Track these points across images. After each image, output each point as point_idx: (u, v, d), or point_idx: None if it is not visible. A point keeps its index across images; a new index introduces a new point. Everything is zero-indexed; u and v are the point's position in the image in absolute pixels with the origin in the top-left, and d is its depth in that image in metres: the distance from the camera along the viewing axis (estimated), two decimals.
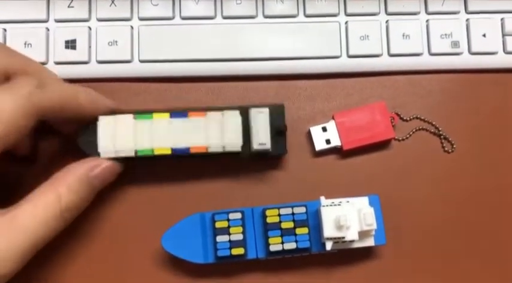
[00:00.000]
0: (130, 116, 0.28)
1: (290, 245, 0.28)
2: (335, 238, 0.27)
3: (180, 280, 0.30)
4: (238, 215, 0.28)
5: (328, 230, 0.27)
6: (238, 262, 0.29)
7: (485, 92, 0.33)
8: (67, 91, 0.27)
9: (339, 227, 0.27)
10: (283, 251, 0.28)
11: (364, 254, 0.31)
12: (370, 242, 0.29)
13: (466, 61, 0.33)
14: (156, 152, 0.28)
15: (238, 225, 0.28)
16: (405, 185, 0.32)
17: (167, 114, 0.28)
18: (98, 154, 0.28)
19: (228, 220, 0.28)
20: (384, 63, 0.33)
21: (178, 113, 0.28)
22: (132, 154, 0.28)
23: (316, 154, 0.32)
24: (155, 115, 0.28)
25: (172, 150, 0.28)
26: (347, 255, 0.31)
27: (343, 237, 0.27)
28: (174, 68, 0.32)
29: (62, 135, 0.31)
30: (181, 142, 0.28)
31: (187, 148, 0.28)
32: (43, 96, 0.25)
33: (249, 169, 0.32)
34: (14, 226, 0.24)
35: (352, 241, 0.28)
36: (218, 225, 0.28)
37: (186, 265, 0.29)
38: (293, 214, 0.28)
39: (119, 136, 0.28)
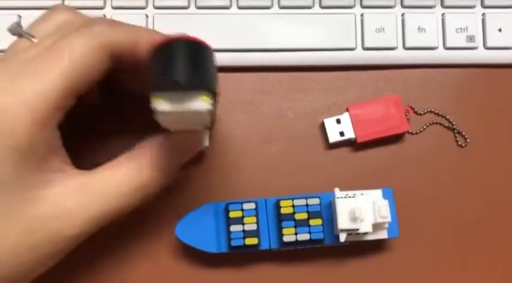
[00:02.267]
0: None
1: (303, 236, 0.28)
2: (349, 230, 0.27)
3: (193, 269, 0.30)
4: (252, 205, 0.28)
5: (343, 222, 0.27)
6: (251, 252, 0.29)
7: (500, 86, 0.33)
8: (140, 29, 0.25)
9: (354, 219, 0.27)
10: (297, 242, 0.28)
11: (376, 247, 0.31)
12: (383, 235, 0.29)
13: (481, 56, 0.33)
14: None
15: (252, 215, 0.28)
16: (418, 179, 0.32)
17: None
18: None
19: (242, 210, 0.28)
20: (399, 56, 0.32)
21: None
22: None
23: (330, 147, 0.32)
24: None
25: None
26: (359, 247, 0.31)
27: (357, 229, 0.27)
28: None
29: None
30: None
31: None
32: (115, 34, 0.23)
33: (261, 161, 0.32)
34: (88, 191, 0.23)
35: (365, 234, 0.28)
36: (232, 214, 0.28)
37: (200, 254, 0.29)
38: (307, 205, 0.28)
39: None
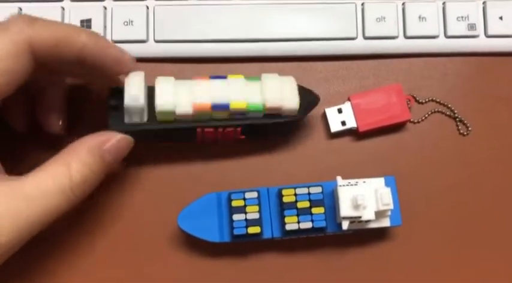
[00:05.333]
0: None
1: (306, 224, 0.28)
2: (351, 217, 0.27)
3: (196, 259, 0.30)
4: (255, 194, 0.28)
5: (345, 209, 0.27)
6: (254, 241, 0.29)
7: (501, 75, 0.33)
8: (64, 27, 0.25)
9: (356, 206, 0.27)
10: (299, 230, 0.28)
11: (379, 235, 0.31)
12: (385, 223, 0.29)
13: (482, 44, 0.33)
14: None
15: (254, 204, 0.28)
16: (420, 167, 0.32)
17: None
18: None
19: (244, 199, 0.28)
20: (400, 45, 0.32)
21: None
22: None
23: (332, 136, 0.32)
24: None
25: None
26: (362, 236, 0.31)
27: (360, 217, 0.27)
28: (189, 49, 0.32)
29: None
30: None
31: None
32: (35, 32, 0.23)
33: (264, 150, 0.32)
34: (17, 194, 0.22)
35: (368, 222, 0.28)
36: (234, 203, 0.28)
37: (202, 244, 0.29)
38: (309, 194, 0.28)
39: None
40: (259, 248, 0.30)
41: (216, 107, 0.27)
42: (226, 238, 0.28)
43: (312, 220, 0.28)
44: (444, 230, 0.31)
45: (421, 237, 0.31)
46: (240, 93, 0.28)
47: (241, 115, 0.28)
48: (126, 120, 0.27)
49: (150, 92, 0.28)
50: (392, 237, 0.31)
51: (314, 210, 0.28)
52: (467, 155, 0.32)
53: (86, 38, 0.25)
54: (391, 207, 0.27)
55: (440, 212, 0.31)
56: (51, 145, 0.29)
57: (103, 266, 0.30)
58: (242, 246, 0.30)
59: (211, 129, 0.28)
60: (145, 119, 0.28)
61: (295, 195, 0.28)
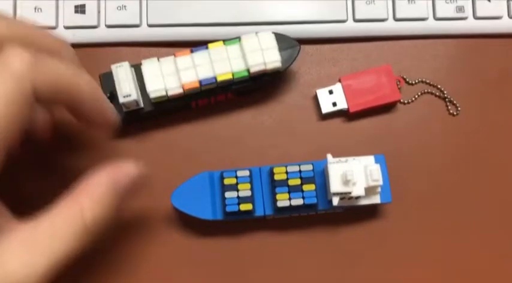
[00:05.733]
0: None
1: (297, 201, 0.28)
2: (342, 193, 0.28)
3: (189, 237, 0.31)
4: (247, 172, 0.29)
5: (335, 185, 0.28)
6: (246, 220, 0.30)
7: (490, 56, 0.33)
8: (66, 72, 0.23)
9: (346, 182, 0.27)
10: (291, 207, 0.28)
11: (369, 213, 0.31)
12: (376, 199, 0.29)
13: (471, 26, 0.33)
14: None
15: (246, 182, 0.29)
16: (411, 147, 0.32)
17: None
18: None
19: (237, 177, 0.29)
20: (390, 27, 0.33)
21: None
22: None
23: (323, 117, 0.32)
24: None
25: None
26: (352, 215, 0.31)
27: (350, 192, 0.28)
28: (182, 32, 0.32)
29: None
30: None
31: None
32: (38, 77, 0.21)
33: (256, 131, 0.32)
34: (31, 247, 0.21)
35: (358, 198, 0.29)
36: (227, 181, 0.29)
37: (195, 223, 0.30)
38: (300, 171, 0.29)
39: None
40: (252, 227, 0.31)
41: (204, 82, 0.29)
42: (219, 216, 0.29)
43: (303, 197, 0.28)
44: (434, 208, 0.31)
45: (412, 215, 0.31)
46: (223, 62, 0.29)
47: (229, 82, 0.30)
48: (124, 109, 0.30)
49: (139, 74, 0.30)
50: (383, 215, 0.31)
51: (305, 187, 0.29)
52: (457, 135, 0.32)
53: (85, 86, 0.24)
54: (381, 182, 0.28)
55: (431, 190, 0.32)
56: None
57: (96, 246, 0.30)
58: (234, 225, 0.30)
59: (204, 100, 0.31)
60: (141, 105, 0.30)
61: (287, 173, 0.29)
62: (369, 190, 0.28)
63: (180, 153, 0.32)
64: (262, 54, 0.29)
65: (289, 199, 0.28)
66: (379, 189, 0.29)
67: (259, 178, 0.30)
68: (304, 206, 0.29)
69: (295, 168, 0.29)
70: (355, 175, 0.27)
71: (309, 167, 0.29)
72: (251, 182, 0.29)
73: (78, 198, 0.23)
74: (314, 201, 0.28)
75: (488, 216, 0.31)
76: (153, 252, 0.30)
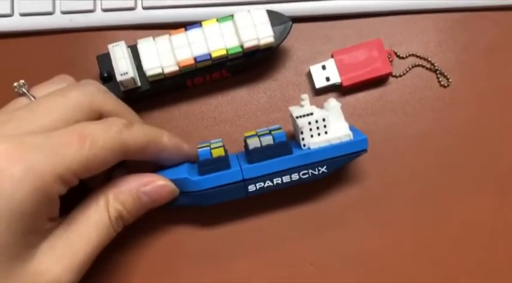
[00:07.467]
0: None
1: (267, 140, 0.28)
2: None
3: (184, 227, 0.31)
4: (220, 143, 0.29)
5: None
6: (228, 205, 0.29)
7: (478, 29, 0.34)
8: (152, 131, 0.27)
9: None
10: (262, 150, 0.28)
11: (352, 181, 0.32)
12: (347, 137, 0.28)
13: (459, 0, 0.34)
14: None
15: (219, 147, 0.28)
16: (403, 119, 0.33)
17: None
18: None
19: (210, 144, 0.29)
20: (381, 3, 0.34)
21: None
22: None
23: (317, 93, 0.33)
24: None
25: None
26: (333, 183, 0.32)
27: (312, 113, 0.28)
28: (177, 14, 0.33)
29: None
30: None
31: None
32: (130, 135, 0.26)
33: (251, 108, 0.33)
34: (64, 248, 0.24)
35: (327, 131, 0.29)
36: (200, 146, 0.29)
37: (190, 212, 0.31)
38: (269, 129, 0.29)
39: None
40: (234, 207, 0.31)
41: (198, 59, 0.30)
42: (195, 176, 0.28)
43: (273, 138, 0.28)
44: (426, 179, 0.32)
45: (402, 186, 0.32)
46: (217, 39, 0.30)
47: (224, 58, 0.30)
48: (122, 89, 0.30)
49: (135, 54, 0.30)
50: (372, 187, 0.32)
51: (274, 132, 0.29)
52: (449, 105, 0.33)
53: (167, 140, 0.28)
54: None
55: (422, 161, 0.32)
56: None
57: None
58: (223, 208, 0.30)
59: (200, 78, 0.31)
60: (138, 83, 0.31)
61: (257, 133, 0.29)
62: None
63: (178, 132, 0.32)
64: (255, 29, 0.30)
65: (259, 140, 0.28)
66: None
67: (236, 159, 0.29)
68: (275, 146, 0.28)
69: (265, 129, 0.29)
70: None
71: (277, 126, 0.29)
72: (223, 147, 0.29)
73: (105, 192, 0.26)
74: (283, 139, 0.28)
75: (480, 185, 0.32)
76: (137, 240, 0.31)
